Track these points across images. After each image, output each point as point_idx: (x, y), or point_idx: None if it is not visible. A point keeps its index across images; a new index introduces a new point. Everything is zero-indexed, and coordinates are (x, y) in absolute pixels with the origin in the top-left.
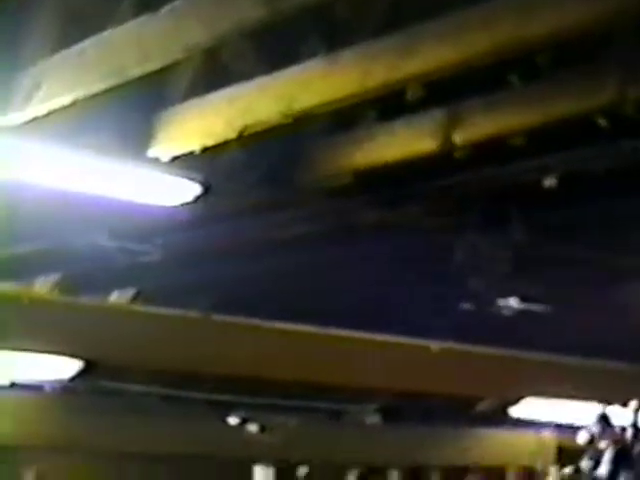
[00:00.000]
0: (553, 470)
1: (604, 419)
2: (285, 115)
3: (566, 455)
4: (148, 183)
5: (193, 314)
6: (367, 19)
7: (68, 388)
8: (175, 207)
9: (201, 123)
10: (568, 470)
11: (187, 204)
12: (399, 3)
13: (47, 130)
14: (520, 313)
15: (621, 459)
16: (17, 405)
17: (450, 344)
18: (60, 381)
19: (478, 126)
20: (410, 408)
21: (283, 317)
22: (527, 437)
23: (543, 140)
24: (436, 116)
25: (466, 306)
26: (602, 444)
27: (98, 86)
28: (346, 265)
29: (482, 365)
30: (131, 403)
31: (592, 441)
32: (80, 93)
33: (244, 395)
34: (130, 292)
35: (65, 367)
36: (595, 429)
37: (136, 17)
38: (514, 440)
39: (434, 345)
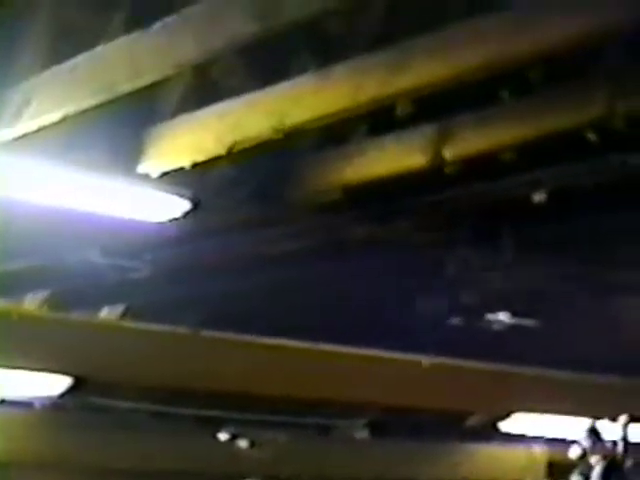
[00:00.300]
0: None
1: (594, 433)
2: (276, 130)
3: (556, 470)
4: (138, 199)
5: (182, 330)
6: (358, 35)
7: (57, 405)
8: (164, 223)
9: (191, 139)
10: None
11: (176, 220)
12: (390, 19)
13: (37, 146)
14: (510, 328)
15: (611, 473)
16: (6, 422)
17: (440, 359)
18: (49, 398)
19: (468, 141)
20: (399, 423)
21: (272, 333)
22: (517, 452)
23: (533, 155)
24: (426, 131)
25: (456, 321)
26: (593, 459)
27: (88, 102)
28: (336, 281)
29: (472, 380)
30: (120, 419)
31: (583, 456)
32: (70, 109)
33: (233, 411)
34: (119, 308)
35: (54, 383)
36: (586, 443)
37: (127, 33)
38: (504, 455)
39: (424, 360)
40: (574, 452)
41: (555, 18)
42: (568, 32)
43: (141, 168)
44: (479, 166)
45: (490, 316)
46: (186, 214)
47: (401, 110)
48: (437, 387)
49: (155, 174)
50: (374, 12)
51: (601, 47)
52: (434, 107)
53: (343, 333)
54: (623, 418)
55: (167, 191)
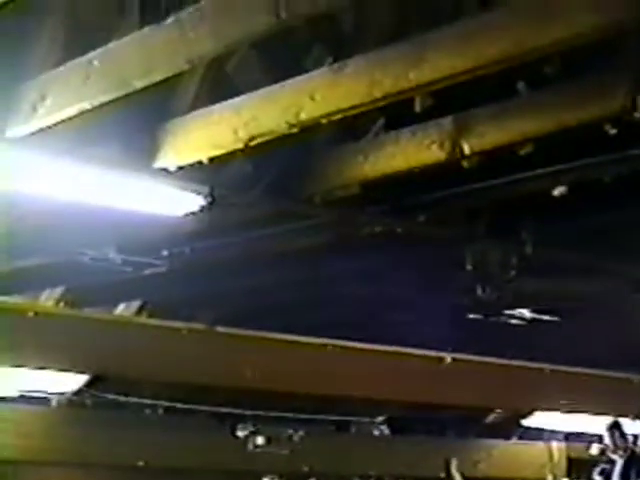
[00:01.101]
0: None
1: (617, 429)
2: (291, 125)
3: (576, 466)
4: (154, 195)
5: (199, 326)
6: (372, 29)
7: (74, 401)
8: (180, 218)
9: (207, 134)
10: None
11: (193, 215)
12: (405, 12)
13: (52, 142)
14: (530, 324)
15: (632, 467)
16: (22, 418)
17: (460, 355)
18: (65, 394)
19: (486, 135)
20: (419, 420)
21: (290, 329)
22: (537, 448)
23: (552, 149)
24: (444, 125)
25: (475, 316)
26: (614, 454)
27: (103, 97)
28: (353, 276)
29: (493, 376)
30: (137, 416)
31: (604, 452)
32: (85, 104)
33: (251, 408)
34: (135, 304)
35: (70, 380)
36: (608, 439)
37: (141, 28)
38: (524, 452)
39: (444, 356)
40: (595, 450)
41: (574, 11)
42: (586, 25)
43: (157, 163)
44: (497, 160)
45: (509, 312)
46: (202, 209)
47: (420, 104)
48: (457, 384)
49: (171, 169)
50: (389, 5)
51: (621, 40)
52: (451, 100)
53: (362, 329)
54: None
55: (183, 187)
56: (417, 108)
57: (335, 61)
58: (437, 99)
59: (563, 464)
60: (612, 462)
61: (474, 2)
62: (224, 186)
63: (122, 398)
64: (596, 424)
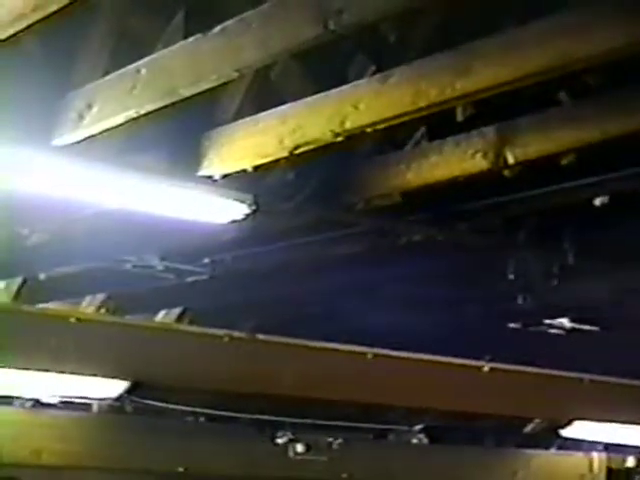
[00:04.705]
0: None
1: None
2: (336, 134)
3: (616, 476)
4: (197, 202)
5: (239, 334)
6: (416, 38)
7: (114, 407)
8: (223, 226)
9: (252, 142)
10: None
11: (236, 223)
12: (448, 22)
13: (99, 150)
14: (571, 333)
15: None
16: (62, 424)
17: (499, 364)
18: (106, 400)
19: (530, 145)
20: (458, 429)
21: (330, 336)
22: (576, 459)
23: (594, 159)
24: (487, 134)
25: (515, 326)
26: None
27: (150, 106)
28: (394, 285)
29: (532, 386)
30: (177, 422)
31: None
32: (132, 113)
33: (290, 415)
34: (177, 311)
35: (111, 386)
36: None
37: (188, 37)
38: (563, 462)
39: (483, 365)
40: (631, 462)
41: (619, 22)
42: (633, 35)
43: (202, 171)
44: (540, 169)
45: (549, 321)
46: (245, 217)
47: (462, 114)
48: (496, 393)
49: (216, 177)
50: (434, 14)
51: None
52: (494, 110)
53: (400, 337)
54: None
55: (227, 194)
56: (459, 117)
57: (378, 70)
58: (477, 108)
59: (603, 475)
60: None
61: (520, 12)
62: (267, 194)
63: (162, 404)
64: (637, 435)
